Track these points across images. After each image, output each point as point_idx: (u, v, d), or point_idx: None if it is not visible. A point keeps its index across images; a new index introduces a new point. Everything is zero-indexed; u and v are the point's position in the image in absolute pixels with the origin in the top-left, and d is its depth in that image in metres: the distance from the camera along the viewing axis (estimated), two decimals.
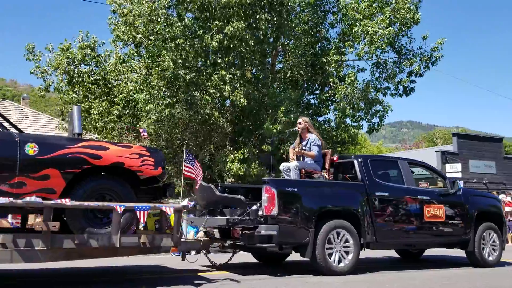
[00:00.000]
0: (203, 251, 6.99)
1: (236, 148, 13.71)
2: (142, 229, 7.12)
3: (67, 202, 4.90)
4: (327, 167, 7.82)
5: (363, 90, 14.88)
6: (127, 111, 13.88)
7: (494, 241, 8.30)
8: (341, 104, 14.65)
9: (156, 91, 12.83)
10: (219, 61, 12.75)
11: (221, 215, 6.89)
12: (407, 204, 7.51)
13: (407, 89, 15.52)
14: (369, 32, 14.08)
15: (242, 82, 13.07)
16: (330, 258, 6.56)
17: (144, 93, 12.77)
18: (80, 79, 13.87)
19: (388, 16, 14.27)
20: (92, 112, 13.69)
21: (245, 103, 12.53)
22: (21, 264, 5.02)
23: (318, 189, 6.96)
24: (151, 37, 12.72)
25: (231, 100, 13.27)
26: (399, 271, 7.58)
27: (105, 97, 14.26)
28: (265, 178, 6.74)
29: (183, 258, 6.34)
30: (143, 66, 13.74)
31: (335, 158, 7.98)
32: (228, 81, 12.32)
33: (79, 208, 5.16)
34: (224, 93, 12.34)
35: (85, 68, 14.27)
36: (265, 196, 6.32)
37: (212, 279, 6.07)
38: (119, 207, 5.13)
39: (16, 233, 4.92)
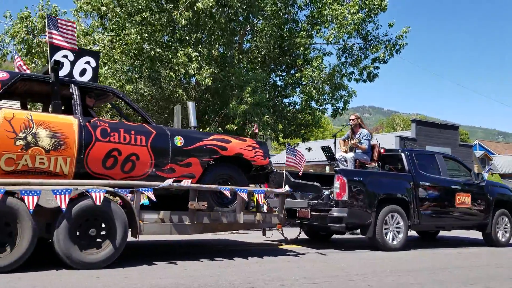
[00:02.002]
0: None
1: (199, 126, 13.60)
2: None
3: (204, 184, 5.82)
4: (375, 158, 8.78)
5: (329, 74, 14.98)
6: None
7: (506, 225, 9.72)
8: (307, 87, 14.72)
9: (119, 66, 12.49)
10: (187, 37, 12.51)
11: (292, 198, 7.86)
12: (443, 192, 8.78)
13: (371, 75, 15.74)
14: (338, 17, 14.12)
15: (208, 60, 12.90)
16: (386, 237, 7.81)
17: (107, 67, 12.42)
18: (40, 49, 13.32)
19: (357, 1, 14.34)
20: None
21: (210, 83, 12.41)
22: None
23: (378, 178, 8.18)
24: (116, 9, 12.31)
25: (196, 79, 13.09)
26: (432, 248, 8.83)
27: None
28: (336, 168, 7.91)
29: (264, 233, 7.11)
30: (106, 39, 13.33)
31: (382, 150, 8.98)
32: (194, 58, 12.14)
33: (209, 190, 6.07)
34: (189, 70, 12.16)
35: (45, 38, 13.70)
36: (337, 183, 7.45)
37: (299, 252, 7.20)
38: (243, 191, 6.09)
39: (171, 211, 5.82)
